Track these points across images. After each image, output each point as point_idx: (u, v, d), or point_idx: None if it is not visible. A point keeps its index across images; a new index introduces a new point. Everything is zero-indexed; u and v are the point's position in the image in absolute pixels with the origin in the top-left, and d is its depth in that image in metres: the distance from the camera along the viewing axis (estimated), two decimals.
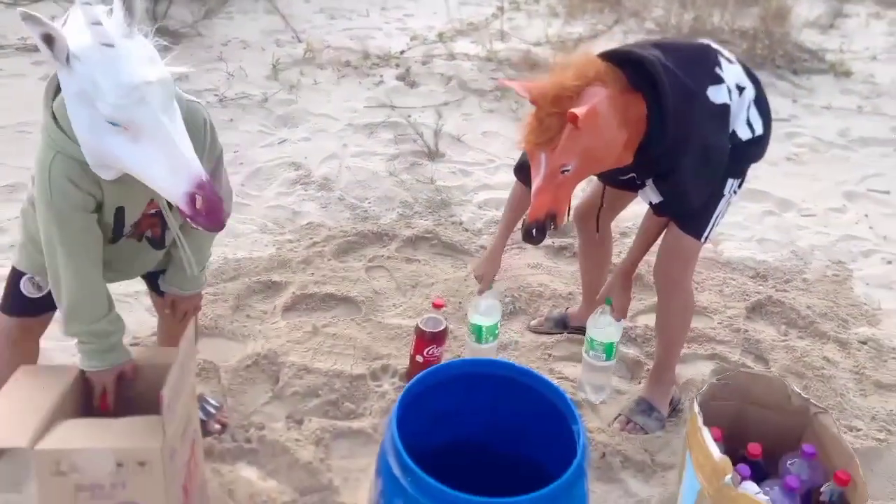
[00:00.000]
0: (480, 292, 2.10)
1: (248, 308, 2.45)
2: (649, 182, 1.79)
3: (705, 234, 1.86)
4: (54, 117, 1.36)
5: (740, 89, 1.76)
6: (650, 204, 1.86)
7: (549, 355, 2.26)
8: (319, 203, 3.16)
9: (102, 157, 1.33)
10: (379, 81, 4.57)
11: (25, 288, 1.61)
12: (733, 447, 1.66)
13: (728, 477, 1.45)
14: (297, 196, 3.22)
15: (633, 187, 1.89)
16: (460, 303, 2.48)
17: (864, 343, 2.38)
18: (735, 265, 2.83)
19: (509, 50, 5.06)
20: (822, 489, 1.54)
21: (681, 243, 1.86)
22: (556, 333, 2.38)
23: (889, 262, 2.89)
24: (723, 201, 1.84)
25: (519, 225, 1.85)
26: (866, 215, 3.26)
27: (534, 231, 1.70)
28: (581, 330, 2.31)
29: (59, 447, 1.35)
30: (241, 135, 3.81)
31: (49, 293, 1.55)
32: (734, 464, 1.49)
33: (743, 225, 3.13)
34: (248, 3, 6.21)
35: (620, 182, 1.91)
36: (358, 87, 4.50)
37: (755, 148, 1.84)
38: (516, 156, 3.65)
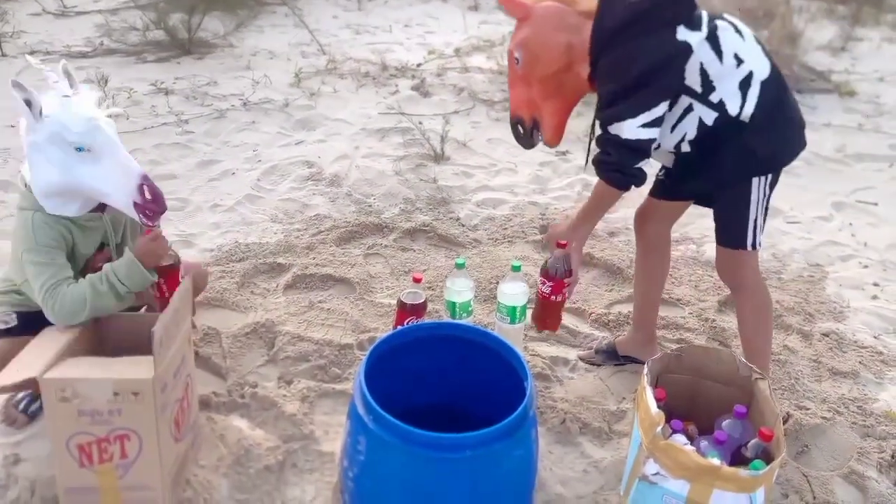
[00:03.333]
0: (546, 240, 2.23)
1: (253, 285, 2.67)
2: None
3: (749, 242, 1.91)
4: (28, 191, 1.81)
5: (739, 60, 1.77)
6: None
7: (525, 335, 2.42)
8: (328, 197, 3.39)
9: (71, 186, 1.75)
10: (394, 91, 4.82)
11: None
12: (686, 419, 1.82)
13: (659, 428, 1.61)
14: (308, 191, 3.45)
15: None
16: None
17: (826, 335, 2.50)
18: (714, 264, 2.96)
19: None
20: (747, 445, 1.68)
21: (729, 255, 1.95)
22: (610, 365, 2.33)
23: (865, 266, 3.00)
24: (753, 206, 1.86)
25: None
26: (850, 224, 3.37)
27: (518, 128, 1.98)
28: (632, 359, 2.30)
29: (63, 376, 1.57)
30: (261, 135, 4.07)
31: (15, 325, 1.86)
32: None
33: None
34: (278, 17, 6.55)
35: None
36: (374, 95, 4.75)
37: (760, 135, 1.79)
38: (518, 160, 3.87)
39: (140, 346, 1.63)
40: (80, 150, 1.70)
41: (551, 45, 1.84)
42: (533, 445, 1.69)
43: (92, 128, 1.71)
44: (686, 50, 1.75)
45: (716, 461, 1.55)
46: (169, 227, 3.06)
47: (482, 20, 6.67)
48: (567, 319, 2.55)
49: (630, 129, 1.78)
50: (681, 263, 2.95)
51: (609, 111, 1.80)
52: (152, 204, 1.75)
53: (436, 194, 3.46)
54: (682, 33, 1.75)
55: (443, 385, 1.94)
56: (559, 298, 2.18)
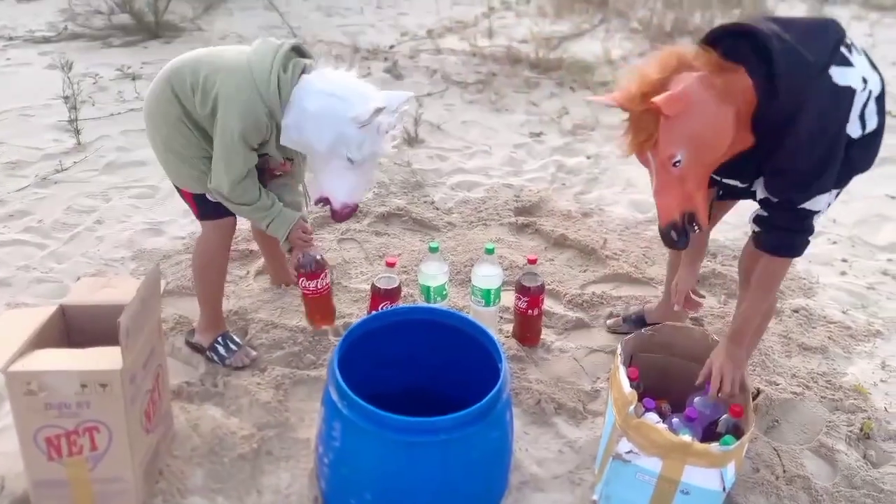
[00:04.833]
0: (678, 305, 2.16)
1: None
2: (759, 181, 1.72)
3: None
4: (279, 86, 1.84)
5: (864, 81, 1.60)
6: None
7: (500, 317, 2.43)
8: None
9: (308, 160, 1.99)
10: (367, 74, 4.76)
11: (211, 196, 2.02)
12: (660, 396, 1.83)
13: (632, 407, 1.62)
14: None
15: (743, 194, 1.84)
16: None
17: (796, 311, 2.54)
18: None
19: (494, 46, 5.25)
20: (718, 421, 1.70)
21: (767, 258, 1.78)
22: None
23: (834, 243, 3.04)
24: (816, 216, 1.70)
25: None
26: None
27: (672, 234, 1.65)
28: None
29: (29, 369, 1.53)
30: None
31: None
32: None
33: None
34: (247, 0, 6.44)
35: (730, 191, 1.86)
36: None
37: (863, 150, 1.65)
38: (492, 142, 3.86)
39: (107, 336, 1.60)
40: (350, 160, 1.86)
41: (722, 123, 1.54)
42: (508, 427, 1.69)
43: (374, 162, 1.95)
44: (852, 95, 1.58)
45: (687, 438, 1.57)
46: (138, 214, 3.02)
47: (455, 1, 6.61)
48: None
49: (827, 200, 1.66)
50: (654, 242, 2.97)
51: (807, 191, 1.63)
52: (341, 218, 1.99)
53: (410, 178, 3.43)
54: (839, 76, 1.56)
55: (417, 369, 1.94)
56: (535, 312, 2.26)
